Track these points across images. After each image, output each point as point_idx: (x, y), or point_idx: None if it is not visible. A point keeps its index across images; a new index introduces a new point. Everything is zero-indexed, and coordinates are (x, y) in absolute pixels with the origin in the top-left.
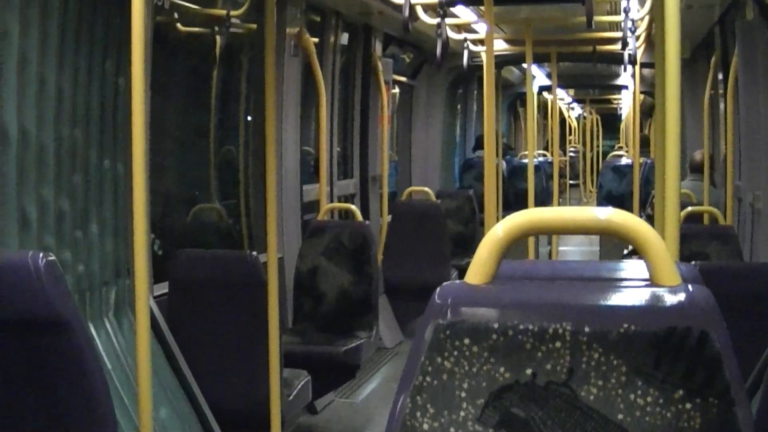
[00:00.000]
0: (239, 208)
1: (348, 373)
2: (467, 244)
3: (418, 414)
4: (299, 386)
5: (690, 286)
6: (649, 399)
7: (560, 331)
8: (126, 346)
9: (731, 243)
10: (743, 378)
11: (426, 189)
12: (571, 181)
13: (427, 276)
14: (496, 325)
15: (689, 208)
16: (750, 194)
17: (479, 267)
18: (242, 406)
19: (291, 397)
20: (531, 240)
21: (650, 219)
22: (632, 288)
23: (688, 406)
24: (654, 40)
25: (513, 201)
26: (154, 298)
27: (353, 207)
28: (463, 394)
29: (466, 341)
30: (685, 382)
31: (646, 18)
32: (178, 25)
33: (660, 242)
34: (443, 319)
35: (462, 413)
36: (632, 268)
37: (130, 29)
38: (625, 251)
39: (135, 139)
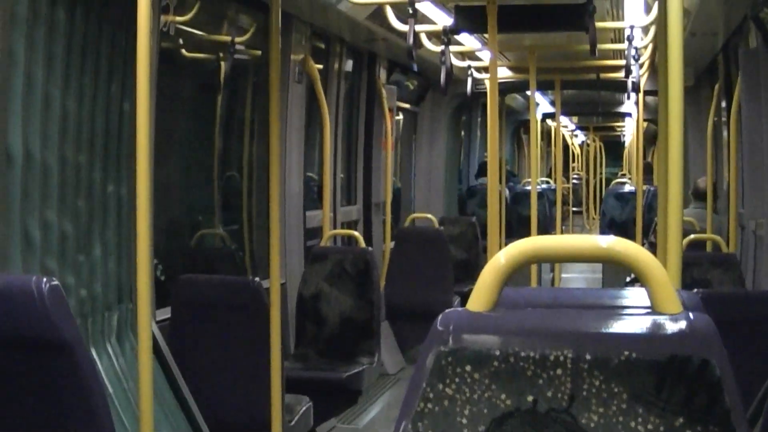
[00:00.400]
0: (242, 234)
1: (350, 399)
2: (470, 271)
3: None
4: (301, 412)
5: (691, 314)
6: (649, 426)
7: (561, 358)
8: (128, 370)
9: (734, 270)
10: (745, 406)
11: (429, 215)
12: (574, 208)
13: (429, 302)
14: (497, 352)
15: (692, 236)
16: (753, 222)
17: (481, 294)
18: (244, 431)
19: (293, 423)
20: (534, 266)
21: (653, 246)
22: (633, 316)
23: None
24: (657, 68)
25: (516, 227)
26: (157, 322)
27: (356, 233)
28: (465, 421)
29: (468, 368)
30: (685, 410)
31: (650, 46)
32: (183, 51)
33: (661, 270)
34: (445, 346)
35: None
36: (634, 296)
37: (136, 53)
38: (628, 278)
39: (139, 163)
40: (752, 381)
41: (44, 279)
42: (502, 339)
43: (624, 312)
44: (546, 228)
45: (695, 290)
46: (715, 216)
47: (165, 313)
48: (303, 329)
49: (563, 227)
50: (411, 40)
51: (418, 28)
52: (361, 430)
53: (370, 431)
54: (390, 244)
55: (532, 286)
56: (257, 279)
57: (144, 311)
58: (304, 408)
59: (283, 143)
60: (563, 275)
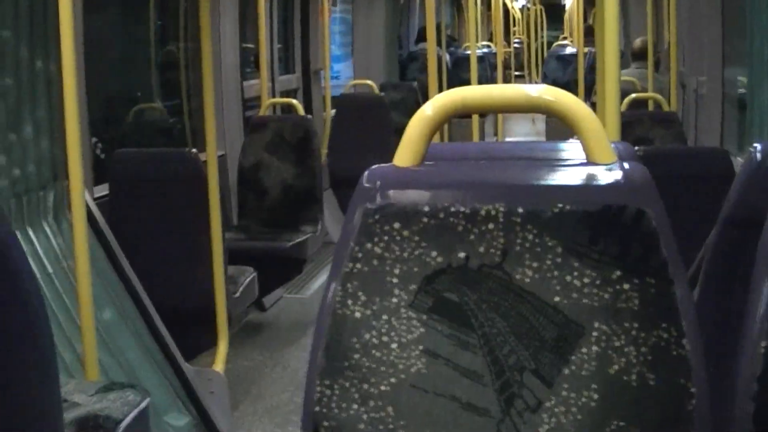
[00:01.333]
0: (182, 107)
1: (295, 268)
2: None
3: (349, 302)
4: (245, 283)
5: (626, 164)
6: (585, 280)
7: (493, 212)
8: (67, 249)
9: (675, 128)
10: (689, 261)
11: (368, 81)
12: (516, 72)
13: None
14: (426, 208)
15: (633, 95)
16: (694, 80)
17: (408, 148)
18: (188, 305)
19: (237, 294)
20: (476, 131)
21: (594, 106)
22: (566, 167)
23: (626, 286)
24: None
25: None
26: (96, 199)
27: (294, 101)
28: (395, 280)
29: (396, 225)
30: (621, 262)
31: None
32: None
33: (594, 119)
34: (371, 203)
35: (394, 299)
36: (569, 149)
37: None
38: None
39: (63, 37)
40: (695, 236)
41: None
42: (431, 194)
43: (557, 164)
44: None
45: (636, 147)
46: (656, 75)
47: (105, 190)
48: (245, 200)
49: None
50: None
51: None
52: (308, 299)
53: (316, 300)
54: (331, 112)
55: None
56: (194, 150)
57: (76, 187)
58: (248, 279)
59: (216, 12)
60: (507, 139)
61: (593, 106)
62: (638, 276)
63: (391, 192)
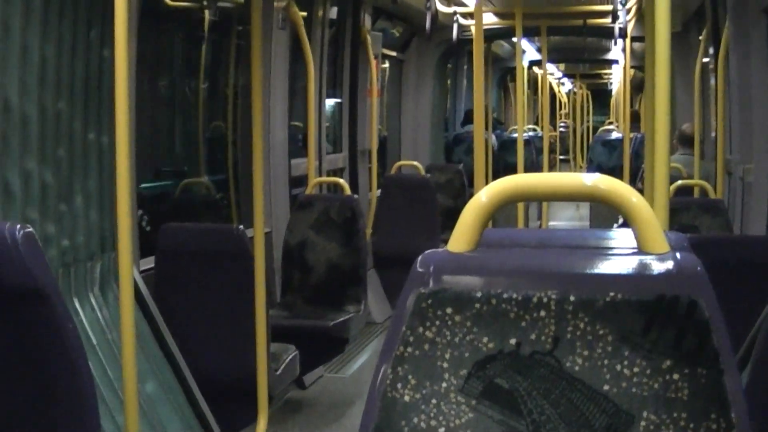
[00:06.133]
0: (228, 183)
1: (337, 348)
2: (457, 218)
3: (399, 385)
4: (287, 360)
5: (678, 254)
6: (636, 369)
7: (545, 299)
8: (111, 320)
9: (721, 216)
10: (734, 349)
11: (415, 163)
12: (561, 156)
13: (416, 250)
14: (479, 294)
15: (679, 182)
16: (740, 167)
17: (462, 234)
18: (229, 381)
19: (279, 372)
20: (521, 215)
21: (640, 192)
22: (619, 256)
23: (676, 376)
24: (644, 14)
25: (503, 175)
26: (142, 272)
27: (341, 181)
28: (446, 365)
29: (449, 310)
30: (673, 352)
31: None
32: None
33: (647, 209)
34: (425, 288)
35: (444, 384)
36: (620, 237)
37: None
38: (616, 225)
39: (118, 111)
40: (740, 325)
41: (18, 226)
42: (484, 280)
43: (609, 252)
44: None
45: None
46: (702, 162)
47: (150, 263)
48: (289, 277)
49: None
50: None
51: None
52: (348, 379)
53: (357, 380)
54: (376, 192)
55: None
56: (241, 227)
57: (125, 260)
58: (290, 357)
59: (267, 91)
60: (550, 223)
61: (639, 192)
62: (689, 366)
63: (444, 277)
